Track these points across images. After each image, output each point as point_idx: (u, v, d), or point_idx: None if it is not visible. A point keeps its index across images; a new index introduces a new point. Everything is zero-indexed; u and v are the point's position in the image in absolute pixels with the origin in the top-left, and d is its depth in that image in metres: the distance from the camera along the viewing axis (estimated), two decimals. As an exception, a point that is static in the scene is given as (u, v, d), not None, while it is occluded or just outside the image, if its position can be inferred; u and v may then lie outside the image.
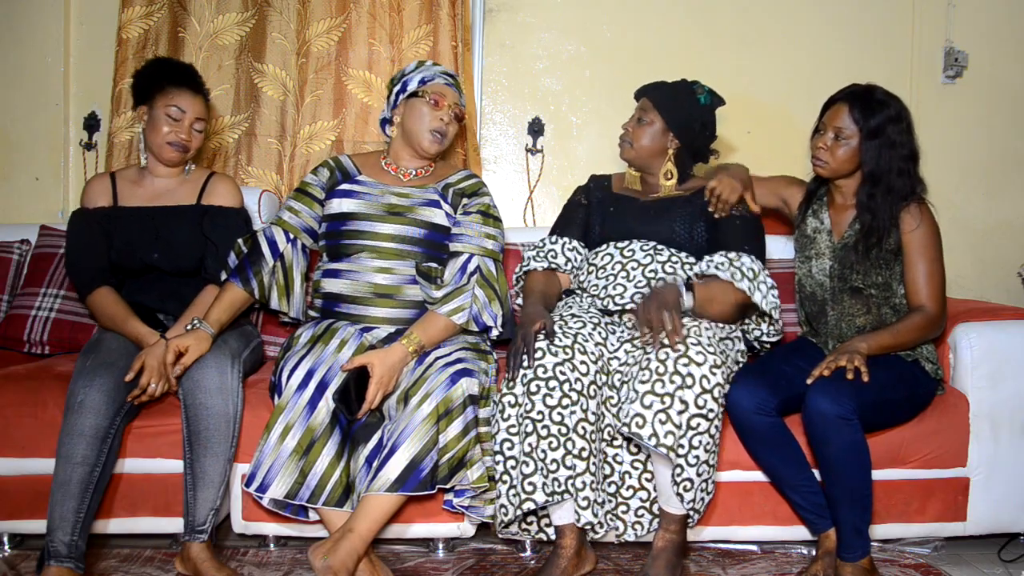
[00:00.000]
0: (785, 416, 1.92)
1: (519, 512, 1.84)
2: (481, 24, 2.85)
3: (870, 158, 1.97)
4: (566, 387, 1.83)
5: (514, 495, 1.86)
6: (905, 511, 2.06)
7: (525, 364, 1.86)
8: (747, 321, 2.10)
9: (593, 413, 1.85)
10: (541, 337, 1.89)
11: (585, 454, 1.82)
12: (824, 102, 2.06)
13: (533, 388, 1.83)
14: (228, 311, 2.02)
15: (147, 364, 1.88)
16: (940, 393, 2.07)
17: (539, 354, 1.86)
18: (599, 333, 1.95)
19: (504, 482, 1.87)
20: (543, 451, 1.82)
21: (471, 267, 2.10)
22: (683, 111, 2.15)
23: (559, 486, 1.81)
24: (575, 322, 1.95)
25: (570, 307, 2.07)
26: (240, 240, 2.11)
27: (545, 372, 1.84)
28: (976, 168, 2.95)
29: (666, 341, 1.80)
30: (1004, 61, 2.93)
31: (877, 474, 1.96)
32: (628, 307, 2.01)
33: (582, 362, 1.86)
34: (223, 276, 2.08)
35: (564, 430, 1.81)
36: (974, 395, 2.07)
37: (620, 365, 1.93)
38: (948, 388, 2.12)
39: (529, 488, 1.83)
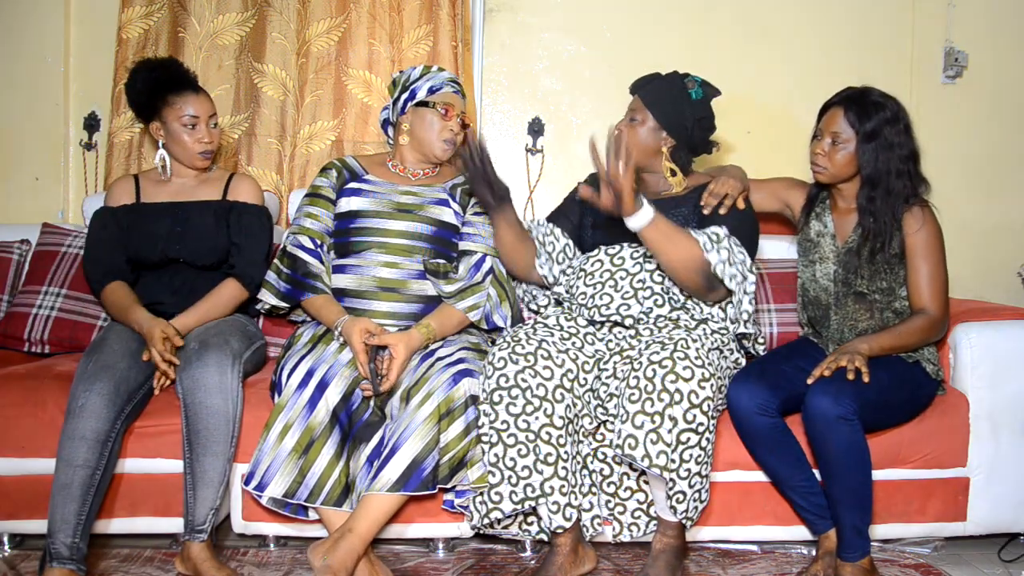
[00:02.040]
0: (785, 416, 1.92)
1: (486, 520, 1.85)
2: (481, 24, 2.85)
3: (868, 161, 1.96)
4: (528, 394, 1.83)
5: (480, 503, 1.87)
6: (905, 511, 2.06)
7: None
8: (727, 311, 2.02)
9: (560, 417, 1.84)
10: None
11: (551, 459, 1.82)
12: (820, 107, 2.06)
13: (496, 398, 1.83)
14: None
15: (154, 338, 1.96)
16: (941, 394, 2.07)
17: (543, 378, 1.85)
18: (573, 343, 1.95)
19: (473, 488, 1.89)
20: (512, 459, 1.82)
21: (485, 266, 2.12)
22: (674, 107, 2.08)
23: (533, 491, 1.82)
24: (543, 331, 1.95)
25: (545, 318, 2.06)
26: (276, 260, 2.13)
27: (507, 381, 1.83)
28: (976, 168, 2.95)
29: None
30: (1004, 61, 2.93)
31: (877, 474, 1.96)
32: (613, 317, 2.00)
33: (545, 367, 1.85)
34: (270, 297, 2.10)
35: (532, 436, 1.82)
36: (974, 395, 2.07)
37: (607, 377, 1.92)
38: (948, 388, 2.12)
39: (496, 498, 1.84)
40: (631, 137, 2.11)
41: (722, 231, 1.95)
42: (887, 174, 1.95)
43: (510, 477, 1.83)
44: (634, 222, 1.85)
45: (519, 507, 1.82)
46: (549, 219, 2.24)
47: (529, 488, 1.82)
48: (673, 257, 1.89)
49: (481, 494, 1.87)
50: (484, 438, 1.86)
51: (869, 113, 1.95)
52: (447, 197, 2.20)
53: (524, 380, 1.83)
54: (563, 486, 1.83)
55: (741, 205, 2.05)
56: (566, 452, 1.84)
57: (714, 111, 2.15)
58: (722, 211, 2.03)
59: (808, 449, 1.90)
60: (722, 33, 2.88)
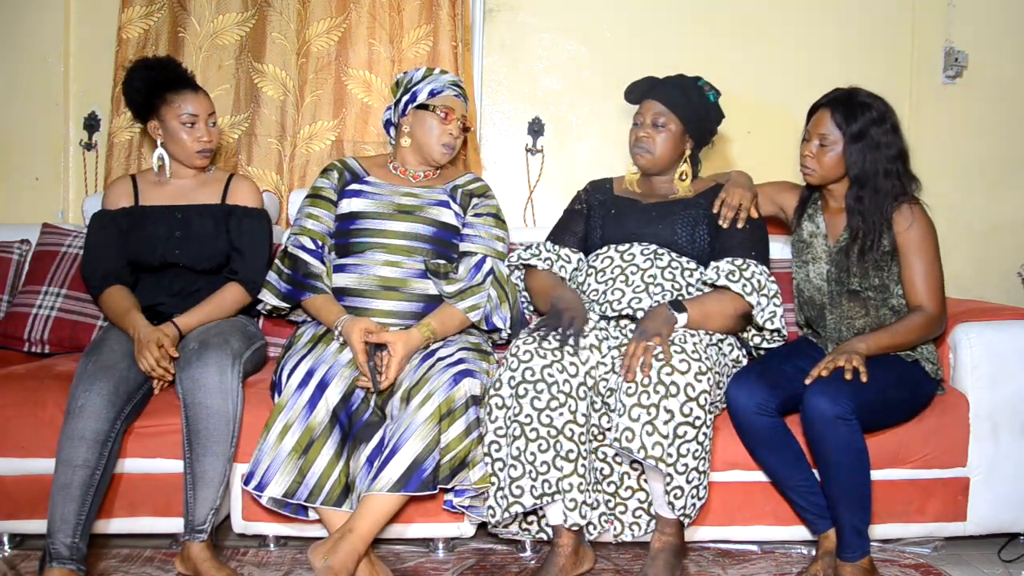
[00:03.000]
0: (785, 416, 1.92)
1: (507, 515, 1.84)
2: (481, 24, 2.85)
3: (855, 162, 1.96)
4: (554, 389, 1.82)
5: (502, 497, 1.86)
6: (905, 511, 2.06)
7: (571, 342, 1.86)
8: (747, 330, 2.09)
9: (583, 415, 1.84)
10: (586, 332, 1.91)
11: (572, 456, 1.81)
12: (808, 109, 2.07)
13: (521, 391, 1.83)
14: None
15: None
16: (940, 393, 2.07)
17: (569, 375, 1.85)
18: (594, 337, 1.94)
19: (492, 484, 1.87)
20: (532, 453, 1.81)
21: (486, 267, 2.12)
22: (699, 112, 2.12)
23: (549, 487, 1.81)
24: None
25: None
26: (277, 260, 2.13)
27: (533, 375, 1.83)
28: (976, 168, 2.96)
29: (639, 372, 1.79)
30: (1004, 61, 2.93)
31: (877, 474, 1.96)
32: (625, 312, 2.01)
33: (571, 363, 1.85)
34: (271, 298, 2.10)
35: (553, 432, 1.81)
36: (974, 395, 2.07)
37: (606, 372, 1.92)
38: (948, 388, 2.12)
39: (517, 492, 1.83)
40: (657, 143, 2.11)
41: (763, 276, 2.01)
42: (875, 174, 1.96)
43: (531, 472, 1.82)
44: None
45: (539, 502, 1.81)
46: (554, 240, 2.23)
47: (546, 484, 1.81)
48: (716, 325, 1.97)
49: (501, 488, 1.86)
50: (500, 431, 1.86)
51: (856, 114, 1.96)
52: (447, 198, 2.20)
53: (551, 375, 1.83)
54: (581, 483, 1.83)
55: (755, 214, 2.09)
56: (586, 450, 1.85)
57: None
58: (739, 224, 2.06)
59: (807, 449, 1.90)
60: (722, 33, 2.88)
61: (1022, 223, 2.98)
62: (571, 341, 1.87)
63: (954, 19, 2.90)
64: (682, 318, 1.90)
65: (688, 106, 2.11)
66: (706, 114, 2.14)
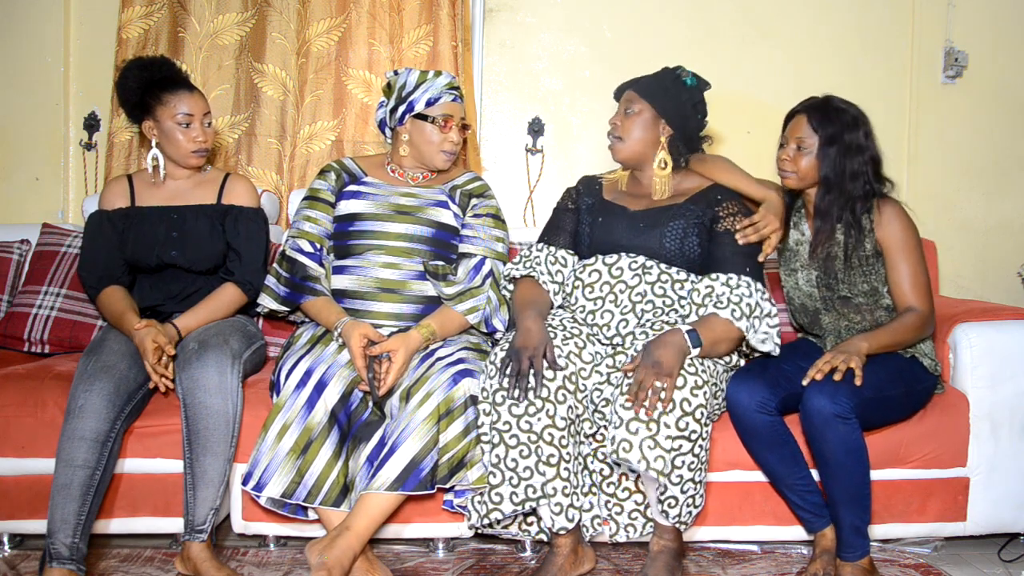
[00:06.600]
0: (785, 415, 1.92)
1: (485, 521, 1.85)
2: (481, 24, 2.85)
3: (827, 164, 1.97)
4: (531, 395, 1.82)
5: (480, 503, 1.86)
6: (905, 511, 2.06)
7: (531, 386, 1.82)
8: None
9: (563, 418, 1.83)
10: (545, 364, 1.86)
11: (554, 460, 1.81)
12: (784, 116, 2.06)
13: (498, 399, 1.82)
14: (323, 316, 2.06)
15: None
16: (939, 392, 2.08)
17: (546, 379, 1.82)
18: (575, 343, 1.93)
19: (473, 488, 1.88)
20: (514, 460, 1.81)
21: (485, 269, 2.11)
22: (671, 95, 2.06)
23: (534, 492, 1.81)
24: (548, 333, 1.93)
25: (552, 318, 2.02)
26: (275, 264, 2.13)
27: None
28: (976, 168, 2.96)
29: (648, 407, 1.75)
30: (1004, 61, 2.93)
31: (877, 474, 1.96)
32: (615, 339, 1.98)
33: (547, 368, 1.84)
34: (270, 302, 2.10)
35: (533, 437, 1.81)
36: (974, 395, 2.07)
37: (601, 383, 1.90)
38: (948, 388, 2.12)
39: (496, 499, 1.83)
40: (627, 130, 2.06)
41: (756, 295, 1.93)
42: (843, 176, 1.96)
43: (511, 478, 1.82)
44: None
45: (519, 508, 1.82)
46: (548, 241, 2.16)
47: (530, 489, 1.82)
48: (724, 350, 1.91)
49: (481, 494, 1.87)
50: (484, 438, 1.86)
51: (831, 118, 1.98)
52: (446, 199, 2.19)
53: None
54: (566, 487, 1.83)
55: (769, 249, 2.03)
56: (568, 453, 1.84)
57: (712, 109, 2.13)
58: (743, 241, 2.00)
59: (807, 448, 1.90)
60: (722, 33, 2.88)
61: (1022, 223, 2.98)
62: (530, 386, 1.82)
63: (954, 19, 2.90)
64: (695, 352, 1.84)
65: (660, 91, 2.06)
66: (681, 97, 2.06)
